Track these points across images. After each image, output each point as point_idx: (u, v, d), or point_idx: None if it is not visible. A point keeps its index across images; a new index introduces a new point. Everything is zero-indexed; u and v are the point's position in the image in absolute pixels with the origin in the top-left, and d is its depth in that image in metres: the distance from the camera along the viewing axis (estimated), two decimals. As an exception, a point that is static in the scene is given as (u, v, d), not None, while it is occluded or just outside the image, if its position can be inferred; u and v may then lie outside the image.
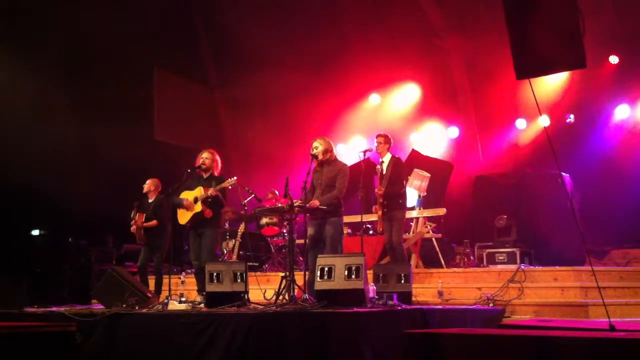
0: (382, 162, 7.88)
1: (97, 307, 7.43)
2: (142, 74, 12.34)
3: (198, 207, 7.26)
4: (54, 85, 10.74)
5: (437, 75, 12.16)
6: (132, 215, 8.36)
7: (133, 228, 8.35)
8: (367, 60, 12.15)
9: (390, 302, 6.06)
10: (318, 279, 5.87)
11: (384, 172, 7.79)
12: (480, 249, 9.08)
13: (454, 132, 12.28)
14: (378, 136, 7.96)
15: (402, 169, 7.87)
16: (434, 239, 8.91)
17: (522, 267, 7.48)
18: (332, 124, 12.53)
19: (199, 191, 7.28)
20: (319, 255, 6.21)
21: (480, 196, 10.45)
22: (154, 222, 8.22)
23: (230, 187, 7.31)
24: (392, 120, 12.54)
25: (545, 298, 6.90)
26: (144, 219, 8.24)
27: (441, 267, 8.66)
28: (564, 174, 8.79)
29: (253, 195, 9.27)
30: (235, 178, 7.27)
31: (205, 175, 7.47)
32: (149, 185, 8.54)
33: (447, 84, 12.08)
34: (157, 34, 11.78)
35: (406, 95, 12.64)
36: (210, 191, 7.14)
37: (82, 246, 11.18)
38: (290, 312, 5.52)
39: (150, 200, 8.45)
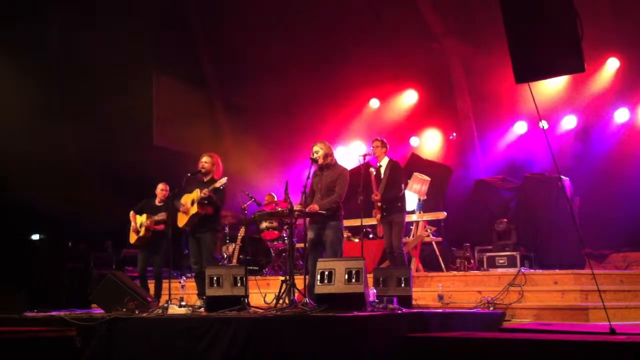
0: (380, 166, 7.88)
1: (97, 311, 7.43)
2: (141, 79, 12.34)
3: (194, 209, 7.26)
4: (53, 91, 10.76)
5: (436, 79, 12.18)
6: (164, 212, 8.18)
7: (134, 227, 8.29)
8: (366, 64, 12.16)
9: (391, 306, 6.05)
10: (318, 282, 5.87)
11: (382, 176, 7.80)
12: (480, 253, 9.09)
13: (453, 135, 12.29)
14: (375, 140, 7.98)
15: (399, 172, 7.87)
16: (434, 243, 8.92)
17: (522, 270, 7.48)
18: (332, 128, 12.55)
19: (196, 194, 7.29)
20: (319, 259, 6.20)
21: (480, 200, 10.46)
22: (162, 225, 8.19)
23: (222, 187, 7.28)
24: (392, 124, 12.56)
25: (546, 301, 6.90)
26: (154, 221, 8.20)
27: (441, 270, 8.66)
28: (563, 177, 8.80)
29: (253, 200, 9.30)
30: (225, 178, 7.25)
31: (205, 179, 7.48)
32: (165, 190, 8.48)
33: (446, 88, 12.10)
34: (156, 39, 11.79)
35: (405, 99, 12.66)
36: (204, 192, 7.15)
37: (81, 251, 11.17)
38: (290, 316, 5.51)
39: (158, 204, 8.43)
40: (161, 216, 8.13)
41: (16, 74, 10.41)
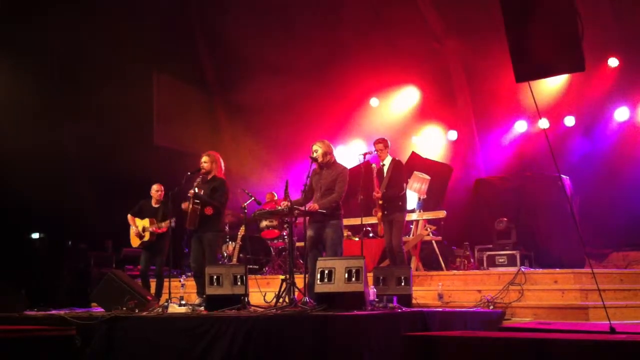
0: (383, 164, 7.88)
1: (97, 310, 7.43)
2: (141, 79, 12.33)
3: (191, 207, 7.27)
4: (53, 90, 10.75)
5: (436, 79, 12.16)
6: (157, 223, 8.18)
7: (136, 231, 8.26)
8: (367, 63, 12.14)
9: (391, 305, 6.06)
10: (318, 281, 5.87)
11: (384, 174, 7.80)
12: (480, 252, 9.08)
13: (453, 134, 12.29)
14: (376, 143, 7.94)
15: (402, 171, 7.87)
16: (434, 242, 8.91)
17: (522, 269, 7.48)
18: (332, 127, 12.53)
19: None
20: (319, 258, 6.21)
21: (480, 199, 10.45)
22: (164, 228, 8.19)
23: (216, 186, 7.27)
24: (392, 123, 12.54)
25: (546, 300, 6.90)
26: (156, 225, 8.17)
27: (441, 269, 8.66)
28: (563, 176, 8.80)
29: (253, 199, 9.30)
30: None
31: (208, 178, 7.48)
32: (160, 190, 8.46)
33: (446, 87, 12.08)
34: (156, 39, 11.78)
35: (406, 98, 12.65)
36: (190, 192, 7.16)
37: (82, 250, 11.17)
38: (290, 315, 5.52)
39: (155, 205, 8.42)
40: (167, 223, 8.08)
41: (16, 73, 10.40)
